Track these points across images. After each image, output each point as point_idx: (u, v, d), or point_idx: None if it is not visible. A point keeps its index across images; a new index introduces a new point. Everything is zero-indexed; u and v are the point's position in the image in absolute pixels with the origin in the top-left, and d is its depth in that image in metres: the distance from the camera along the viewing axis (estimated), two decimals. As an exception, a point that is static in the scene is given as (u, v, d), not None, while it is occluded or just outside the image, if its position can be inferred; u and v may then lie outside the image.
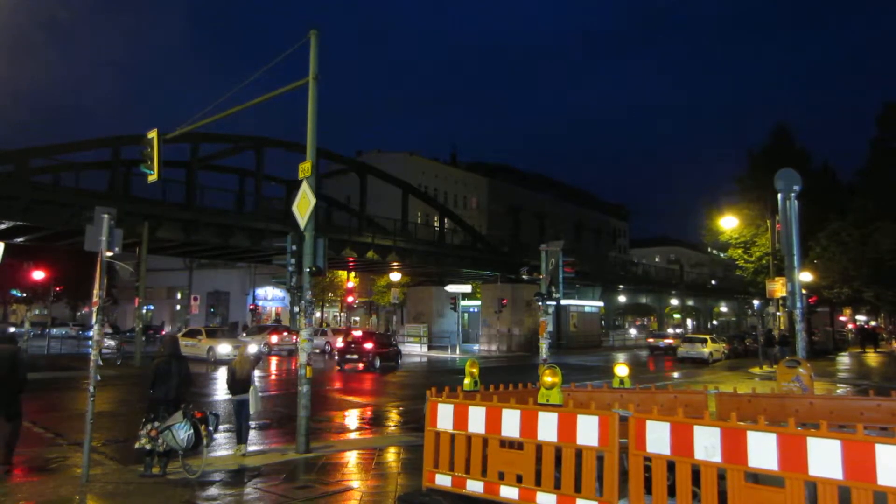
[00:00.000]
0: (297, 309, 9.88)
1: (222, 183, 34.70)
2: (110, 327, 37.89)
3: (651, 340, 44.23)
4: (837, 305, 50.50)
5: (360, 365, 25.42)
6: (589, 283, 49.78)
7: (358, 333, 28.69)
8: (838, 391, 19.98)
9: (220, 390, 18.90)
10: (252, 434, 11.18)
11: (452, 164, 67.72)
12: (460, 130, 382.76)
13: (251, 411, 9.62)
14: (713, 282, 77.54)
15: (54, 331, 42.52)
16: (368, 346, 25.85)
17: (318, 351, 33.49)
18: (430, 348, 41.61)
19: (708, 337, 35.84)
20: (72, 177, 27.67)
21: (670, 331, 57.16)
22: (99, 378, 7.79)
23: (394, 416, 14.70)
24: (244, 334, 37.24)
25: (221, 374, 22.96)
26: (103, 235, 7.98)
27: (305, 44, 10.30)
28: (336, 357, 27.29)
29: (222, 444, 10.70)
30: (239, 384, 9.53)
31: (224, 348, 27.38)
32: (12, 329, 29.64)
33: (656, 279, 67.33)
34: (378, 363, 26.02)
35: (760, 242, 33.63)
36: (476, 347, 45.01)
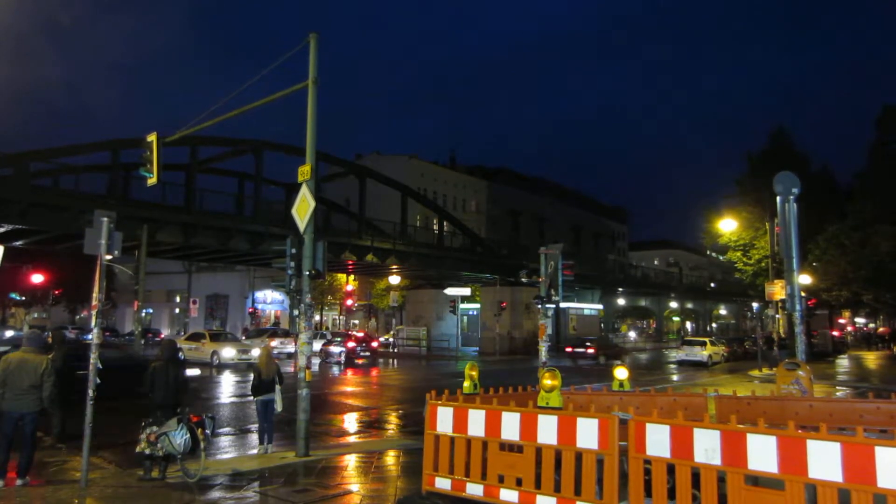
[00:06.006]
0: (296, 312, 9.89)
1: (222, 186, 34.56)
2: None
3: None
4: (837, 308, 50.66)
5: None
6: (588, 285, 49.81)
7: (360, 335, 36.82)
8: (838, 394, 19.97)
9: (224, 394, 18.90)
10: (252, 437, 11.18)
11: (451, 167, 67.73)
12: (459, 133, 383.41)
13: (277, 409, 9.78)
14: (712, 284, 77.59)
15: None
16: (352, 344, 32.19)
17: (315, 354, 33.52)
18: (429, 351, 41.56)
19: (707, 339, 35.76)
20: (71, 180, 27.70)
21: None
22: (98, 381, 7.77)
23: (393, 420, 14.70)
24: (244, 337, 37.19)
25: (225, 378, 22.96)
26: (103, 239, 7.96)
27: (305, 47, 10.29)
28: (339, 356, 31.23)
29: (224, 448, 10.69)
30: (265, 384, 9.72)
31: (228, 352, 27.32)
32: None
33: (655, 282, 67.40)
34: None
35: (759, 245, 33.58)
36: (474, 350, 44.97)
